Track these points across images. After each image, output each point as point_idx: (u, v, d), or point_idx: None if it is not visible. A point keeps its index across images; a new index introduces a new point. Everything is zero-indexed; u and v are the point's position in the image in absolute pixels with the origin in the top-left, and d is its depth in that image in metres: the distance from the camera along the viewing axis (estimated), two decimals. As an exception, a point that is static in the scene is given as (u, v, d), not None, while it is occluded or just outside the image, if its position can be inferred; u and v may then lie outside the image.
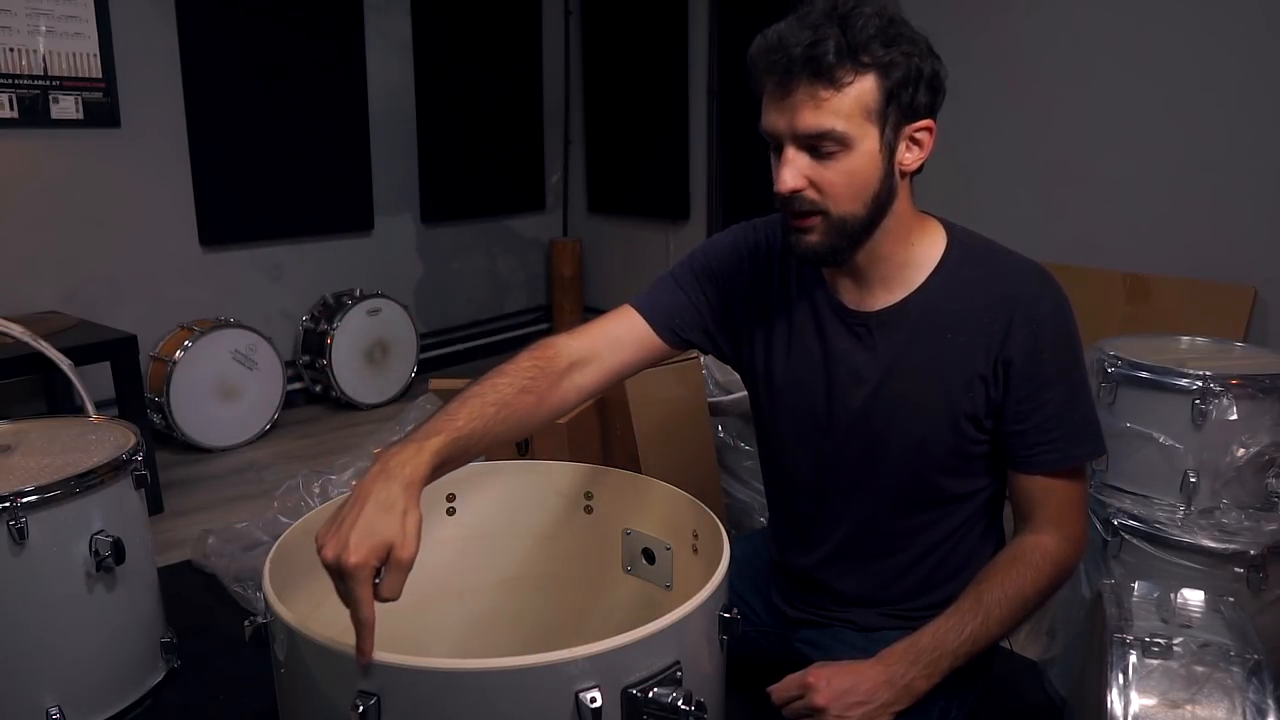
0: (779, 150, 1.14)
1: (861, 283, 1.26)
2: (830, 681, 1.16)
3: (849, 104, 1.09)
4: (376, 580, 0.93)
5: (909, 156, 1.16)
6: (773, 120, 1.13)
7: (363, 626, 0.90)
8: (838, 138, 1.09)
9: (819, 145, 1.11)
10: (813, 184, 1.13)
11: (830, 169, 1.12)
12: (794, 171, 1.12)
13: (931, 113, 1.16)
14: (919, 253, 1.24)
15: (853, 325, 1.26)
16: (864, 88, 1.09)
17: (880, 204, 1.16)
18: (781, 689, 1.19)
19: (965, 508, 1.30)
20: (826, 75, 1.07)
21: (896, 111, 1.12)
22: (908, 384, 1.24)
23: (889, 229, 1.20)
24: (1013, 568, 1.22)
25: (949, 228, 1.27)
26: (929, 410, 1.23)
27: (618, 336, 1.31)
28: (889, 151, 1.13)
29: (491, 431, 1.13)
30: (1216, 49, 2.70)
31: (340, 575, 0.91)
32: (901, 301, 1.24)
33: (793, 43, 1.08)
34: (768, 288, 1.33)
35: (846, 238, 1.16)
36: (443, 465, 1.06)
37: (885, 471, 1.28)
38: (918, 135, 1.15)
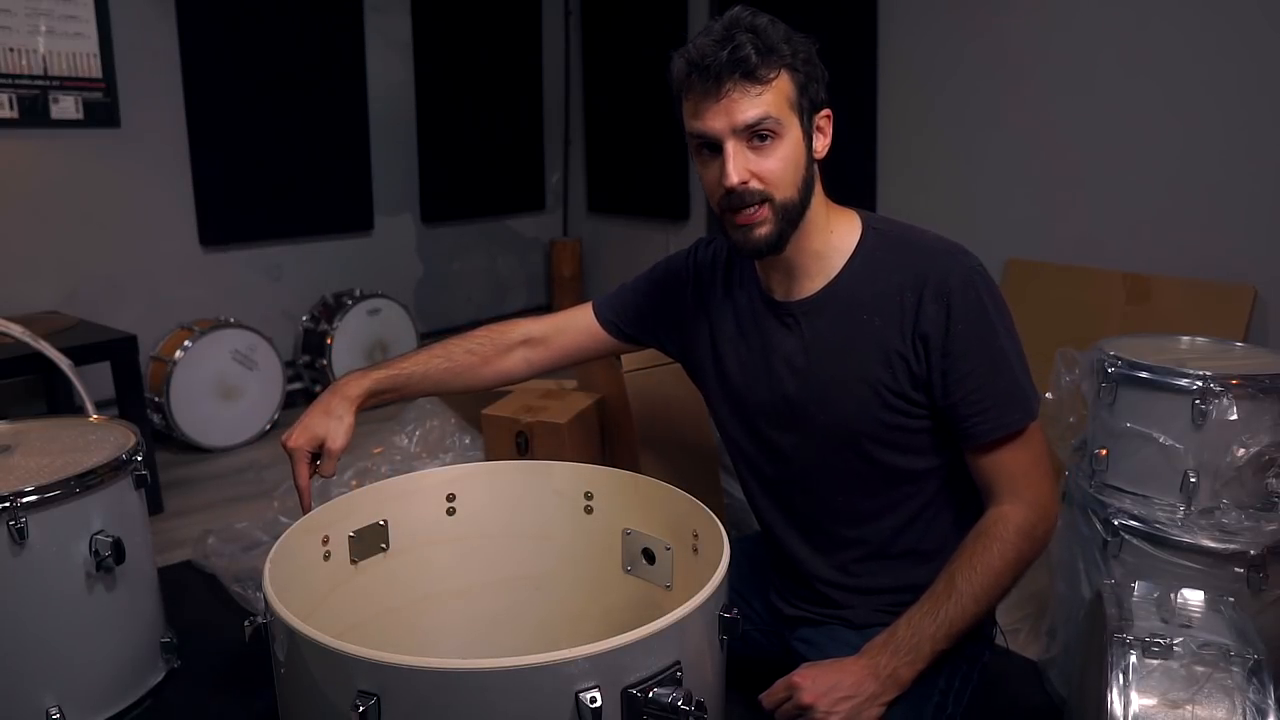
0: (716, 151, 1.22)
1: (790, 274, 1.33)
2: (815, 679, 1.19)
3: (775, 96, 1.20)
4: (318, 463, 1.35)
5: (820, 142, 1.27)
6: (709, 123, 1.21)
7: (300, 493, 1.32)
8: (774, 123, 1.19)
9: (758, 130, 1.19)
10: (754, 175, 1.21)
11: (769, 158, 1.21)
12: (739, 165, 1.21)
13: (828, 103, 1.27)
14: (836, 241, 1.31)
15: (782, 316, 1.34)
16: (783, 82, 1.20)
17: (808, 189, 1.26)
18: (771, 694, 1.23)
19: (924, 487, 1.33)
20: (753, 74, 1.18)
21: (808, 102, 1.23)
22: (830, 366, 1.30)
23: (810, 218, 1.28)
24: (978, 543, 1.24)
25: (864, 216, 1.34)
26: (853, 390, 1.28)
27: (569, 325, 1.54)
28: (808, 139, 1.24)
29: (430, 377, 1.47)
30: (1216, 49, 2.70)
31: (288, 455, 1.34)
32: (822, 289, 1.31)
33: (715, 51, 1.18)
34: (712, 294, 1.44)
35: (790, 223, 1.25)
36: (381, 392, 1.43)
37: (831, 454, 1.32)
38: (821, 123, 1.27)
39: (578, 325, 1.54)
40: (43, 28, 3.21)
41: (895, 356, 1.25)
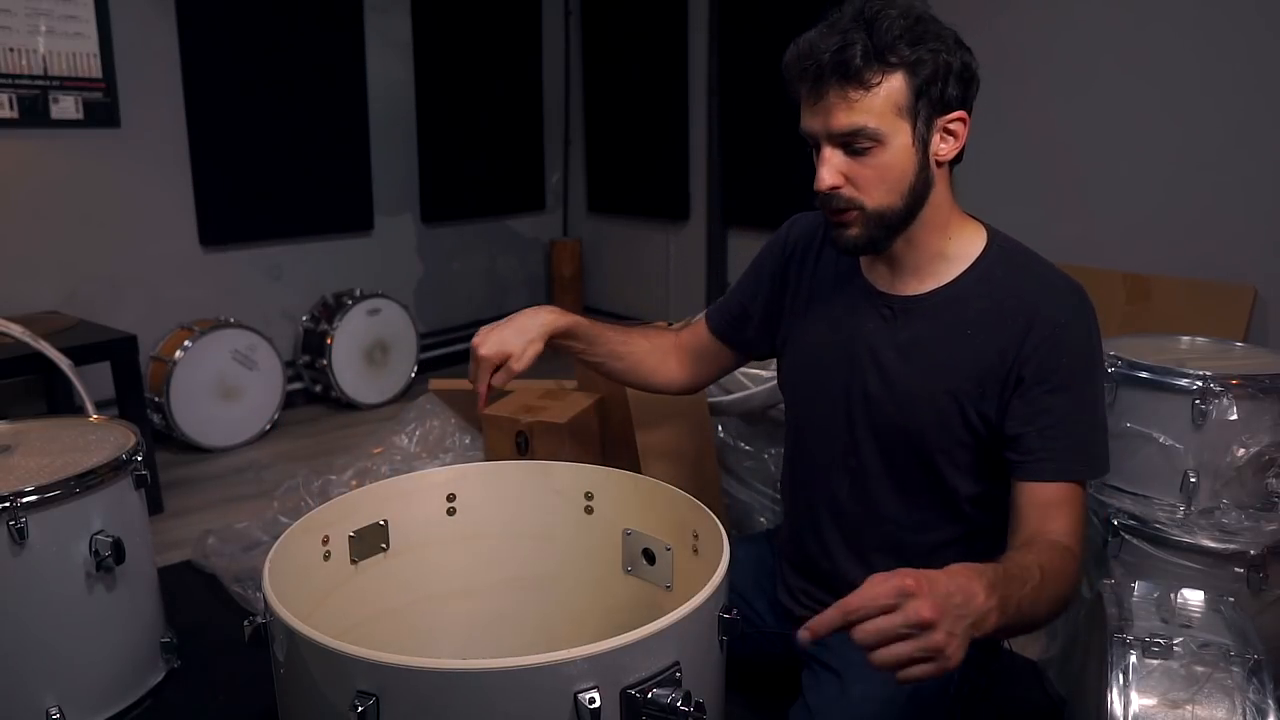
0: (818, 150, 1.19)
1: (896, 268, 1.29)
2: (933, 585, 0.88)
3: (879, 103, 1.13)
4: (498, 370, 1.39)
5: (943, 147, 1.21)
6: (809, 122, 1.19)
7: (480, 396, 1.39)
8: (870, 134, 1.14)
9: (853, 143, 1.16)
10: (849, 180, 1.18)
11: (865, 165, 1.17)
12: (831, 170, 1.17)
13: (964, 104, 1.20)
14: (956, 247, 1.27)
15: (879, 307, 1.30)
16: (893, 86, 1.14)
17: (917, 194, 1.21)
18: (853, 608, 0.87)
19: (977, 512, 1.30)
20: (855, 78, 1.12)
21: (927, 106, 1.16)
22: (921, 372, 1.26)
23: (926, 218, 1.24)
24: (1048, 549, 1.11)
25: (991, 231, 1.30)
26: (939, 401, 1.24)
27: (697, 336, 1.56)
28: (922, 144, 1.18)
29: (613, 349, 1.52)
30: (1216, 49, 2.70)
31: (473, 358, 1.38)
32: (931, 292, 1.27)
33: (822, 49, 1.13)
34: (803, 269, 1.41)
35: (884, 229, 1.21)
36: (571, 334, 1.46)
37: (897, 459, 1.29)
38: (950, 126, 1.20)
39: (701, 339, 1.55)
40: (43, 28, 3.21)
41: (989, 377, 1.21)
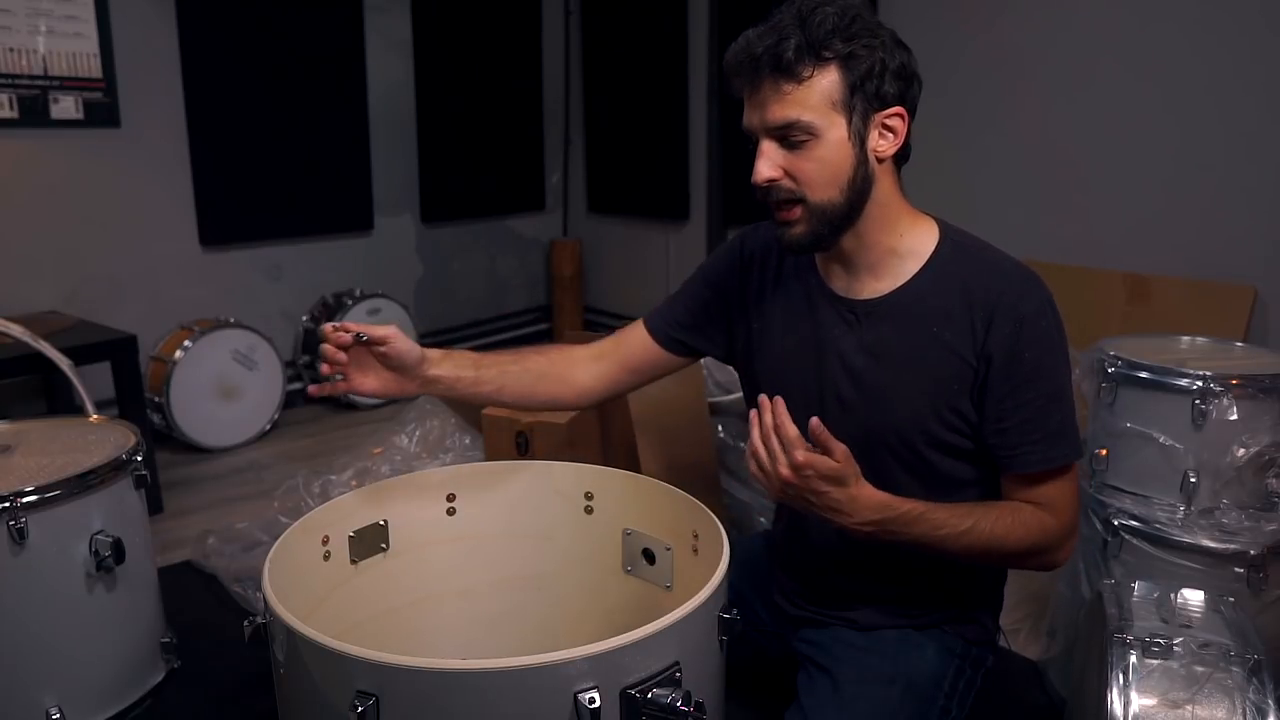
0: (756, 145, 1.21)
1: (850, 269, 1.29)
2: (827, 485, 1.12)
3: (813, 96, 1.16)
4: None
5: (883, 144, 1.21)
6: (747, 117, 1.21)
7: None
8: (804, 127, 1.16)
9: (789, 135, 1.18)
10: (788, 174, 1.19)
11: (803, 158, 1.18)
12: (768, 162, 1.19)
13: (902, 101, 1.21)
14: (909, 244, 1.27)
15: (842, 312, 1.30)
16: (827, 80, 1.16)
17: (858, 190, 1.21)
18: (788, 435, 1.13)
19: (961, 498, 1.30)
20: (788, 71, 1.15)
21: (863, 101, 1.18)
22: (892, 374, 1.26)
23: (873, 215, 1.24)
24: (1011, 512, 1.22)
25: (943, 226, 1.30)
26: (913, 401, 1.25)
27: (625, 338, 1.49)
28: (859, 139, 1.19)
29: (503, 369, 1.43)
30: (1216, 49, 2.70)
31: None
32: (891, 293, 1.27)
33: (757, 44, 1.17)
34: (762, 280, 1.40)
35: (828, 224, 1.22)
36: (436, 374, 1.36)
37: (875, 460, 1.28)
38: (889, 123, 1.21)
39: (632, 339, 1.48)
40: (43, 28, 3.21)
41: (958, 373, 1.22)
